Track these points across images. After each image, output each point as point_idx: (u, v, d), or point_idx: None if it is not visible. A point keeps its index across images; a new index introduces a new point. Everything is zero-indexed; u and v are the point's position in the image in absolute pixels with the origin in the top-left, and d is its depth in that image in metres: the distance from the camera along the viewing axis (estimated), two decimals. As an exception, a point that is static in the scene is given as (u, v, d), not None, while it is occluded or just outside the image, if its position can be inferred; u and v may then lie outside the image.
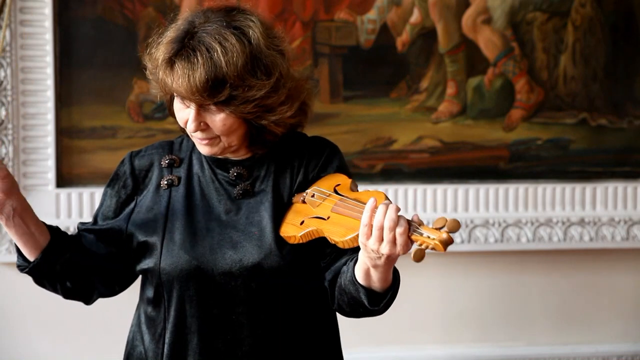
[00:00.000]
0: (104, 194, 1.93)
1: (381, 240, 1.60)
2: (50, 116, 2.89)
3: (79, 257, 1.84)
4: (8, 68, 2.85)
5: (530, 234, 3.11)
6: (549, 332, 3.19)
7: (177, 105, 1.80)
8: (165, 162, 1.90)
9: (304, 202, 1.82)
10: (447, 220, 1.58)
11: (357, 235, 1.64)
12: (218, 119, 1.76)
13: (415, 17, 3.06)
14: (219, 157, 1.86)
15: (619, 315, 3.23)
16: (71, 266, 1.83)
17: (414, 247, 1.60)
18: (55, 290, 1.88)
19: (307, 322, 1.86)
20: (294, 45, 3.00)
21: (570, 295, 3.20)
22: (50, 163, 2.90)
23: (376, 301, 1.73)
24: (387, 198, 1.69)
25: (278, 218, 1.82)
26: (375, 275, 1.69)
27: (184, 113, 1.79)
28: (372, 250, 1.62)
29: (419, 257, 1.58)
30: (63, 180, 2.93)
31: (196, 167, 1.89)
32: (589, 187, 3.16)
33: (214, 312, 1.80)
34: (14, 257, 2.86)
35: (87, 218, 2.92)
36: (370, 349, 3.08)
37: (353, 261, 1.75)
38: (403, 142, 3.08)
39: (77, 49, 2.90)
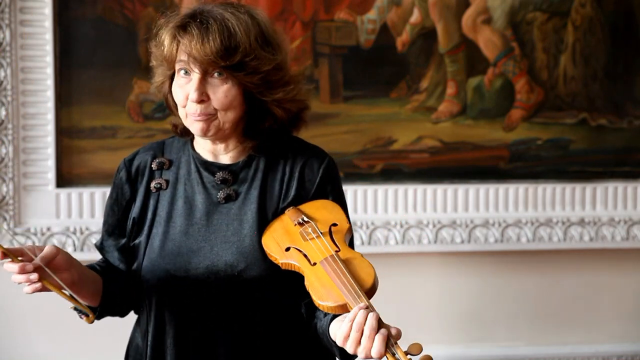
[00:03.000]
0: (106, 207, 1.95)
1: (358, 344, 1.61)
2: (50, 116, 2.89)
3: (122, 282, 1.89)
4: (8, 68, 2.85)
5: (530, 234, 3.11)
6: (549, 332, 3.19)
7: (179, 80, 1.80)
8: (155, 164, 1.90)
9: (298, 225, 1.78)
10: (421, 349, 1.60)
11: (334, 307, 1.64)
12: (221, 90, 1.78)
13: (415, 17, 3.06)
14: (208, 160, 1.87)
15: (619, 315, 3.23)
16: (121, 293, 1.89)
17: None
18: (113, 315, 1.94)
19: (285, 333, 1.84)
20: (294, 45, 3.00)
21: (570, 295, 3.20)
22: (50, 163, 2.90)
23: (348, 355, 1.73)
24: (375, 276, 1.68)
25: (261, 227, 1.81)
26: None
27: (186, 87, 1.79)
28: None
29: None
30: (63, 180, 2.93)
31: (184, 170, 1.89)
32: (589, 187, 3.16)
33: (189, 317, 1.80)
34: (14, 257, 2.88)
35: (87, 218, 2.93)
36: (370, 349, 3.08)
37: (331, 316, 1.74)
38: (403, 142, 3.08)
39: (77, 49, 2.91)
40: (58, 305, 2.94)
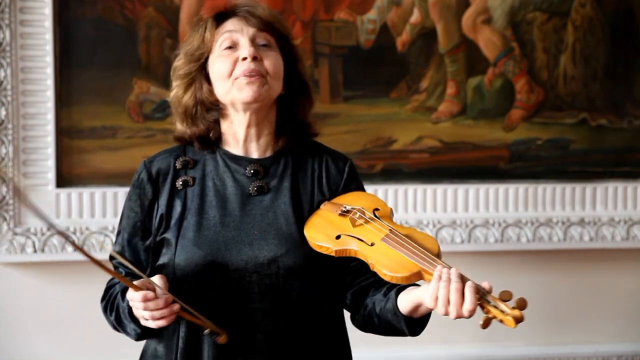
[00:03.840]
0: (124, 211, 1.94)
1: (448, 301, 1.66)
2: (50, 116, 2.89)
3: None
4: (8, 68, 2.85)
5: (530, 234, 3.11)
6: (549, 332, 3.19)
7: (222, 54, 1.86)
8: (179, 163, 1.92)
9: (342, 215, 1.84)
10: (512, 295, 1.67)
11: (409, 276, 1.70)
12: (271, 55, 1.86)
13: (415, 17, 3.06)
14: (238, 154, 1.91)
15: (619, 315, 3.23)
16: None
17: (482, 313, 1.66)
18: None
19: (319, 321, 1.87)
20: (294, 45, 3.00)
21: (570, 295, 3.20)
22: (50, 163, 2.90)
23: (416, 328, 1.82)
24: (438, 243, 1.77)
25: (297, 217, 1.86)
26: (423, 311, 1.78)
27: (233, 55, 1.85)
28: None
29: (487, 325, 1.64)
30: (63, 180, 2.92)
31: (210, 167, 1.91)
32: (589, 187, 3.16)
33: (227, 306, 1.81)
34: (14, 257, 2.88)
35: (87, 218, 2.93)
36: (370, 349, 3.08)
37: (395, 292, 1.81)
38: (403, 142, 3.08)
39: (77, 49, 2.90)
40: (58, 305, 2.95)
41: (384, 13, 3.04)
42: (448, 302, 1.65)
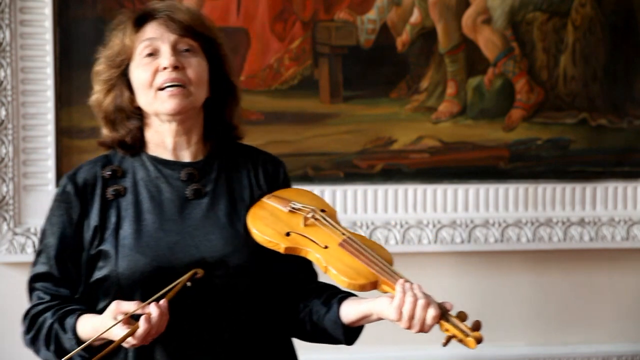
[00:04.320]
0: (46, 230, 1.86)
1: (412, 318, 1.68)
2: (50, 116, 2.89)
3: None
4: (8, 68, 2.85)
5: (530, 234, 3.11)
6: (549, 332, 3.19)
7: (142, 61, 1.81)
8: (107, 173, 1.87)
9: (291, 212, 1.82)
10: (467, 316, 1.70)
11: (365, 284, 1.71)
12: (194, 61, 1.81)
13: (415, 17, 3.05)
14: (169, 159, 1.86)
15: (619, 315, 3.22)
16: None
17: (442, 331, 1.68)
18: None
19: (268, 319, 1.86)
20: (293, 45, 3.00)
21: (570, 295, 3.20)
22: (50, 163, 2.90)
23: (353, 337, 1.84)
24: (389, 253, 1.78)
25: (238, 217, 1.83)
26: (368, 322, 1.80)
27: (154, 63, 1.80)
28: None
29: (447, 343, 1.68)
30: (63, 180, 2.93)
31: (141, 174, 1.86)
32: (589, 187, 3.16)
33: (178, 310, 1.77)
34: (14, 257, 2.88)
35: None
36: (370, 349, 3.07)
37: (337, 301, 1.81)
38: (403, 142, 3.08)
39: (77, 49, 2.90)
40: (58, 305, 2.95)
41: (384, 13, 3.04)
42: (412, 317, 1.67)
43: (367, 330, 3.05)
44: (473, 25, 3.09)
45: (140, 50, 1.82)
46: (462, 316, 1.68)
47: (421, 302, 1.67)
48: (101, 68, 1.87)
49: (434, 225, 3.07)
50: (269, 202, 1.85)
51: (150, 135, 1.88)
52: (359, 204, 3.04)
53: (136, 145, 1.88)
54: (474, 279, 3.15)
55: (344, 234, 1.78)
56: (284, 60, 3.00)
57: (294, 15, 3.00)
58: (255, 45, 2.98)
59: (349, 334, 1.82)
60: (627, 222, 3.17)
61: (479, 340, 1.64)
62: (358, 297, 1.82)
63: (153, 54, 1.81)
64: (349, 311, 1.79)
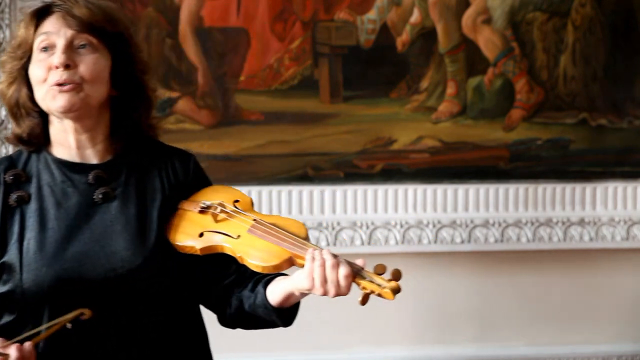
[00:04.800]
0: None
1: (325, 280, 1.64)
2: (50, 116, 2.89)
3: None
4: (8, 68, 2.85)
5: (530, 234, 3.11)
6: (549, 332, 3.19)
7: (39, 57, 1.74)
8: (9, 177, 1.77)
9: (202, 212, 1.79)
10: (385, 268, 1.63)
11: (280, 264, 1.68)
12: (90, 58, 1.74)
13: (415, 17, 3.05)
14: (75, 162, 1.79)
15: (619, 315, 3.22)
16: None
17: (360, 290, 1.64)
18: None
19: (182, 323, 1.82)
20: (293, 45, 3.00)
21: (570, 295, 3.20)
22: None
23: (288, 318, 1.78)
24: (305, 226, 1.74)
25: (149, 219, 1.77)
26: (294, 300, 1.75)
27: (48, 60, 1.73)
28: (317, 294, 1.66)
29: (365, 301, 1.62)
30: (63, 180, 2.92)
31: (46, 178, 1.78)
32: (589, 187, 3.16)
33: (92, 321, 1.68)
34: (14, 257, 2.87)
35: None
36: (370, 349, 3.08)
37: (262, 285, 1.77)
38: (403, 142, 3.08)
39: (77, 49, 2.90)
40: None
41: (384, 13, 3.04)
42: (325, 280, 1.64)
43: (367, 330, 3.05)
44: (473, 25, 3.09)
45: (37, 44, 1.74)
46: (378, 269, 1.63)
47: (329, 262, 1.63)
48: (5, 59, 1.80)
49: (434, 225, 3.07)
50: (183, 208, 1.81)
51: (53, 133, 1.80)
52: (359, 204, 3.04)
53: (35, 142, 1.80)
54: (474, 279, 3.15)
55: (254, 219, 1.74)
56: (284, 60, 3.00)
57: (294, 15, 3.00)
58: (255, 45, 2.98)
59: (283, 316, 1.77)
60: (627, 222, 3.16)
61: (396, 290, 1.59)
62: (285, 275, 1.78)
63: (49, 48, 1.74)
64: (273, 293, 1.75)
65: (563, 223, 3.13)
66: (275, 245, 1.69)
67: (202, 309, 1.92)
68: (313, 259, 1.65)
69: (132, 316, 1.73)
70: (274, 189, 2.99)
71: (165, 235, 1.77)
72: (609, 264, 3.20)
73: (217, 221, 1.77)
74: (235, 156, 2.99)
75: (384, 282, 1.60)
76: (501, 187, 3.12)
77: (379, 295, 1.59)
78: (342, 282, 1.62)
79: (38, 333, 1.64)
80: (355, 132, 3.05)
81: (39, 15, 1.77)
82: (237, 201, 1.81)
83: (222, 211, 1.78)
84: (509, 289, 3.17)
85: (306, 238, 1.72)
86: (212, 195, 1.83)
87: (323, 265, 1.63)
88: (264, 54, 2.99)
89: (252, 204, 1.83)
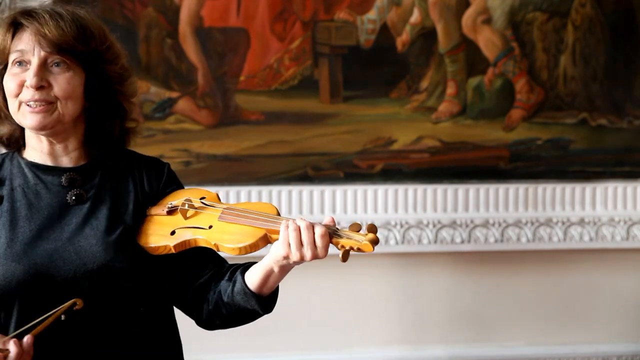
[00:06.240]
0: None
1: (301, 244, 1.64)
2: (50, 116, 2.89)
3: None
4: (8, 68, 2.85)
5: (530, 234, 3.11)
6: (548, 332, 3.19)
7: (13, 70, 1.75)
8: None
9: (170, 212, 1.80)
10: (361, 226, 1.65)
11: (256, 242, 1.69)
12: (63, 77, 1.74)
13: (415, 17, 3.06)
14: (48, 164, 1.81)
15: (619, 315, 3.22)
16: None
17: (338, 250, 1.65)
18: None
19: (152, 323, 1.82)
20: (293, 45, 3.00)
21: (570, 295, 3.20)
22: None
23: (267, 305, 1.77)
24: (274, 206, 1.76)
25: (122, 220, 1.78)
26: (273, 280, 1.74)
27: (21, 75, 1.74)
28: (294, 260, 1.66)
29: (346, 257, 1.63)
30: (63, 180, 2.92)
31: (19, 181, 1.80)
32: (589, 187, 3.16)
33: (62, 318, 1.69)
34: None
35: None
36: (371, 349, 3.08)
37: (240, 272, 1.77)
38: (403, 142, 3.08)
39: (77, 49, 2.90)
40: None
41: (384, 13, 3.04)
42: (301, 243, 1.64)
43: (368, 330, 3.05)
44: (473, 25, 3.09)
45: (12, 58, 1.76)
46: (354, 227, 1.65)
47: (304, 224, 1.64)
48: None
49: (434, 225, 3.07)
50: (151, 213, 1.84)
51: (28, 137, 1.82)
52: (359, 204, 3.04)
53: (15, 144, 1.83)
54: (474, 279, 3.15)
55: (223, 209, 1.76)
56: (284, 60, 3.00)
57: (294, 15, 3.00)
58: (255, 45, 2.98)
59: (262, 302, 1.77)
60: (627, 222, 3.17)
61: (374, 242, 1.61)
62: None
63: (23, 63, 1.75)
64: (252, 275, 1.75)
65: (563, 223, 3.13)
66: (248, 225, 1.71)
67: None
68: (287, 226, 1.66)
69: (103, 312, 1.74)
70: (274, 189, 2.99)
71: (136, 240, 1.79)
72: (609, 264, 3.21)
73: (186, 218, 1.79)
74: (235, 156, 2.99)
75: (361, 236, 1.62)
76: (501, 187, 3.12)
77: (359, 249, 1.61)
78: (319, 242, 1.64)
79: (34, 326, 1.66)
80: (355, 132, 3.05)
81: (15, 26, 1.77)
82: (203, 198, 1.83)
83: (190, 207, 1.80)
84: (509, 289, 3.17)
85: (277, 214, 1.73)
86: (178, 196, 1.85)
87: (298, 229, 1.65)
88: (264, 54, 2.99)
89: (218, 198, 1.85)
